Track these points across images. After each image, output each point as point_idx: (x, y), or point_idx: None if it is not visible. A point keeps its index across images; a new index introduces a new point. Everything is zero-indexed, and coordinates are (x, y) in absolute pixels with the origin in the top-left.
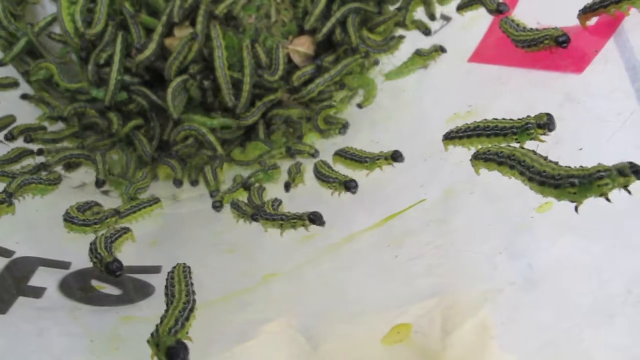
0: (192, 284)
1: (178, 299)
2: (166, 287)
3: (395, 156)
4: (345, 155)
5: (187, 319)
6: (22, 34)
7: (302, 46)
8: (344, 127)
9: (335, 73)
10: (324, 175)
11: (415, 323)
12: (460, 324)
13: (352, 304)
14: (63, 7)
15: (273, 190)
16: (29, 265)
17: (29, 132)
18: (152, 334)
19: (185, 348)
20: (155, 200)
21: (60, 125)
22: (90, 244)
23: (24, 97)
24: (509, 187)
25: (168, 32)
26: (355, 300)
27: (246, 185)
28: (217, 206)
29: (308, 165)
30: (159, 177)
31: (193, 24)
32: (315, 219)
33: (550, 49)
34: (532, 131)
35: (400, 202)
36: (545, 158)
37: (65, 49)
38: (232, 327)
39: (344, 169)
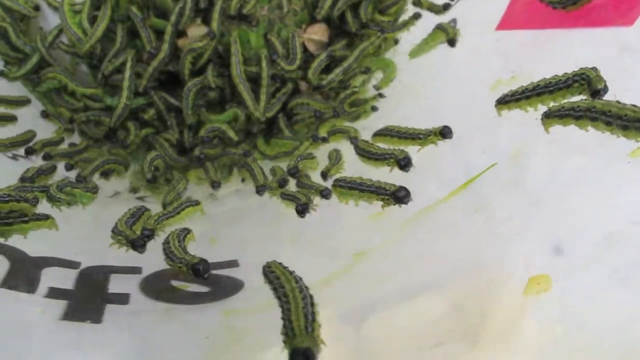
0: (299, 277)
1: (293, 296)
2: (272, 285)
3: (445, 132)
4: (391, 133)
5: (314, 313)
6: (32, 49)
7: (316, 34)
8: (373, 107)
9: (354, 60)
10: (375, 154)
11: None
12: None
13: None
14: (68, 17)
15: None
16: (101, 274)
17: (50, 146)
18: (286, 335)
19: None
20: (195, 202)
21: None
22: (165, 248)
23: (44, 115)
24: (587, 140)
25: (179, 32)
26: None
27: (292, 174)
28: (262, 191)
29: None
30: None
31: (205, 22)
32: (402, 196)
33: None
34: (595, 76)
35: (467, 172)
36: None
37: (74, 59)
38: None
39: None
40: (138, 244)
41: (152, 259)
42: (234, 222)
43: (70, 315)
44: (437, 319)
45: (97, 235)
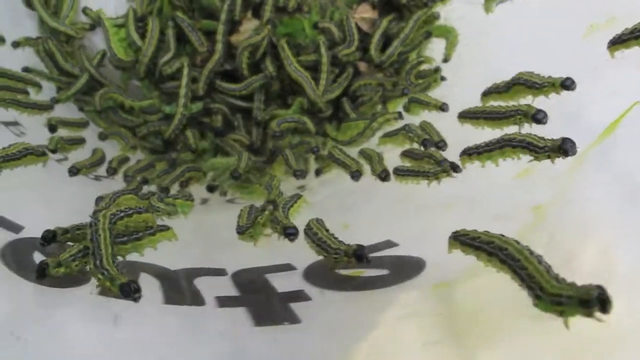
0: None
1: (524, 257)
2: (491, 251)
3: (567, 83)
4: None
5: (548, 264)
6: (80, 70)
7: (367, 12)
8: (438, 73)
9: (409, 30)
10: (499, 113)
11: None
12: None
13: None
14: (111, 34)
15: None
16: (255, 275)
17: (125, 164)
18: (536, 296)
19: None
20: (298, 196)
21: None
22: (314, 240)
23: (103, 137)
24: None
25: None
26: None
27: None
28: (357, 176)
29: None
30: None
31: (255, 15)
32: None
33: None
34: None
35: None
36: None
37: (126, 75)
38: None
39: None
40: (291, 233)
41: (298, 253)
42: (344, 206)
43: (264, 320)
44: None
45: (215, 240)
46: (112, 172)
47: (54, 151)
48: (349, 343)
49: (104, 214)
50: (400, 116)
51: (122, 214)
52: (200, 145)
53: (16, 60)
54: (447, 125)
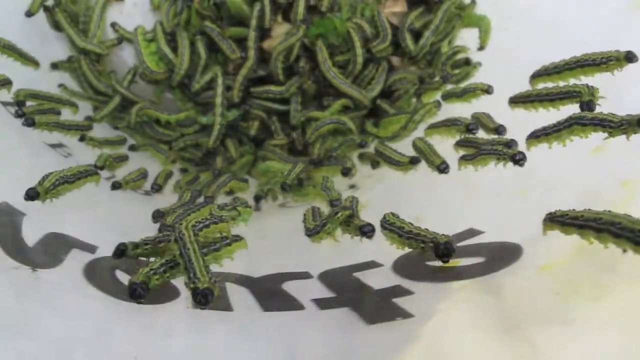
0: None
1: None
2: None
3: (630, 56)
4: (569, 65)
5: None
6: (112, 90)
7: (396, 6)
8: (468, 62)
9: (439, 21)
10: (551, 94)
11: None
12: None
13: None
14: (143, 47)
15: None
16: (339, 274)
17: (169, 179)
18: None
19: None
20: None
21: None
22: (402, 233)
23: (132, 148)
24: None
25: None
26: None
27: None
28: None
29: None
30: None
31: (285, 18)
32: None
33: None
34: None
35: None
36: None
37: (159, 89)
38: None
39: None
40: (368, 230)
41: (365, 248)
42: (405, 200)
43: (374, 318)
44: None
45: (285, 246)
46: (157, 188)
47: (102, 168)
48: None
49: (186, 226)
50: (439, 105)
51: (201, 225)
52: (241, 154)
53: (47, 81)
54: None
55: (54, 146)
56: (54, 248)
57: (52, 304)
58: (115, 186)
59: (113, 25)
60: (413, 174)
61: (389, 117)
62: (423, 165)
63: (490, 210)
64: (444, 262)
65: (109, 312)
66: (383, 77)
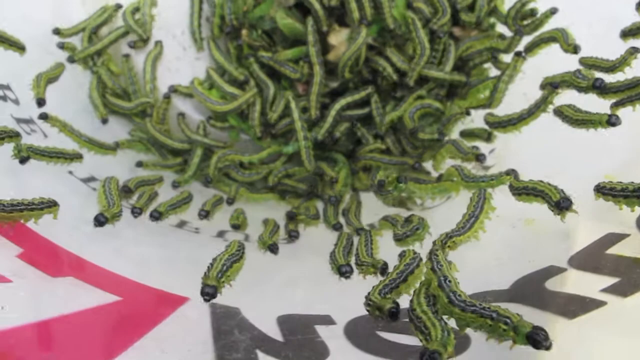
0: None
1: None
2: None
3: None
4: None
5: None
6: (190, 143)
7: None
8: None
9: None
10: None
11: None
12: None
13: None
14: (208, 95)
15: None
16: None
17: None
18: None
19: None
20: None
21: None
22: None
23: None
24: None
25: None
26: None
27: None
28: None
29: None
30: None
31: (340, 23)
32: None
33: None
34: None
35: None
36: None
37: (234, 132)
38: None
39: None
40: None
41: None
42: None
43: None
44: None
45: None
46: (204, 214)
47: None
48: None
49: (440, 245)
50: (524, 58)
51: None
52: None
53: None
54: None
55: None
56: None
57: None
58: (155, 216)
59: (176, 88)
60: None
61: (473, 87)
62: None
63: None
64: None
65: None
66: (451, 52)
